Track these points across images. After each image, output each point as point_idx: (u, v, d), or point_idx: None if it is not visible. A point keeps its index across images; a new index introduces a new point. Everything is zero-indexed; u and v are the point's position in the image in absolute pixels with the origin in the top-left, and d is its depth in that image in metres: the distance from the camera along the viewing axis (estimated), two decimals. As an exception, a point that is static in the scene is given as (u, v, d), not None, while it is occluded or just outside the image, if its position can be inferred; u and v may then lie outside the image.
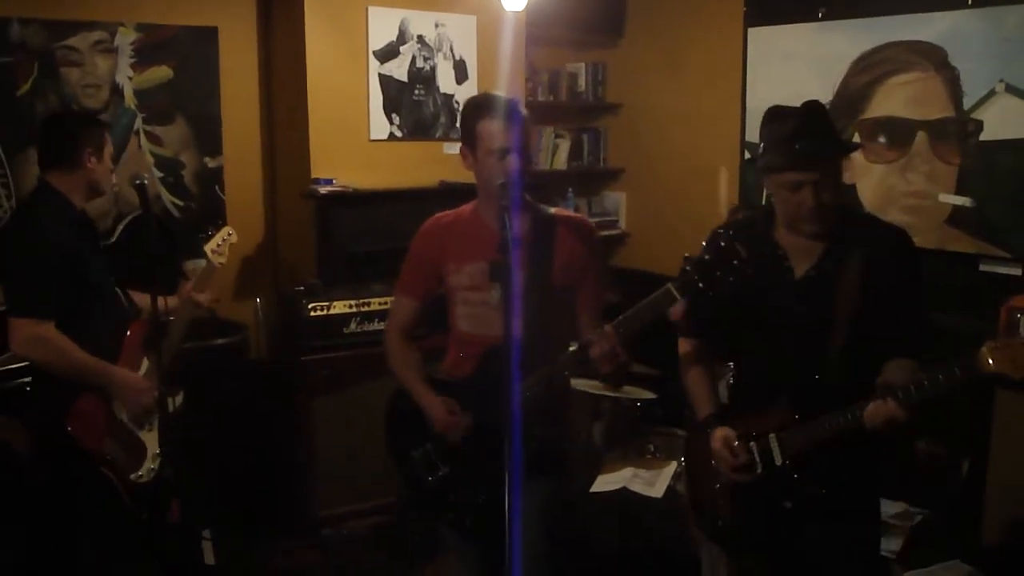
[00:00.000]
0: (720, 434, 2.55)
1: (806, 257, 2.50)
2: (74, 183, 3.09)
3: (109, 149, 3.16)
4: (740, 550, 2.70)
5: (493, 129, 2.57)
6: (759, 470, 2.50)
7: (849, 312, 2.43)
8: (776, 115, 2.48)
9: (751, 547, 2.66)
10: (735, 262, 2.27)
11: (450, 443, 2.70)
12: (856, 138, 4.69)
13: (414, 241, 2.84)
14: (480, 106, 2.63)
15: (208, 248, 3.39)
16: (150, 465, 3.15)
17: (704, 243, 2.49)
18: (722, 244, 2.29)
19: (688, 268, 2.31)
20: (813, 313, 2.46)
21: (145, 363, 3.21)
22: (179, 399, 3.32)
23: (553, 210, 2.78)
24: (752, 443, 2.52)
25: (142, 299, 3.38)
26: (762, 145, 2.51)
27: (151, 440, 3.19)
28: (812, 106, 2.48)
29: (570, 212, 2.83)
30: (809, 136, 2.38)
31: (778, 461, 2.48)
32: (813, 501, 2.47)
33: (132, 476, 3.09)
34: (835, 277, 2.45)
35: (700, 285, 2.30)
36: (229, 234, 3.48)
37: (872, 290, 2.42)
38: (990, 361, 2.12)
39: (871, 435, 2.32)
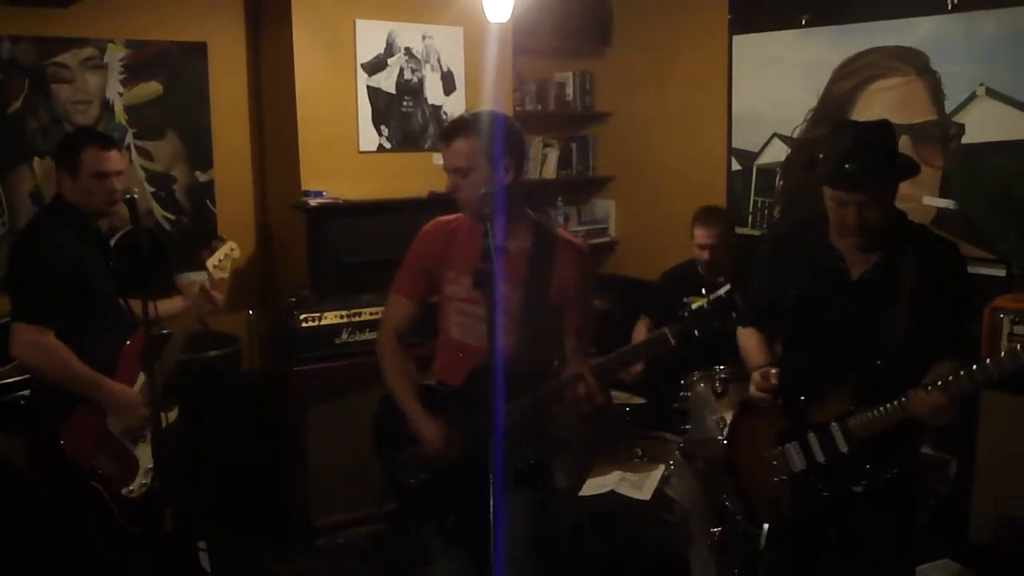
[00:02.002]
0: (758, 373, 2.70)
1: (862, 261, 2.59)
2: (69, 197, 3.15)
3: (91, 168, 3.13)
4: (797, 541, 2.77)
5: (446, 150, 2.66)
6: (821, 459, 2.58)
7: (903, 313, 2.51)
8: (838, 129, 2.56)
9: (810, 535, 2.74)
10: (732, 314, 2.36)
11: (439, 463, 2.72)
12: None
13: (415, 241, 2.86)
14: (446, 127, 2.73)
15: (210, 263, 3.41)
16: (142, 480, 3.16)
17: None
18: (722, 295, 2.36)
19: (687, 315, 2.40)
20: (869, 313, 2.55)
21: (141, 377, 3.22)
22: (173, 414, 3.32)
23: (559, 231, 2.83)
24: (812, 433, 2.61)
25: (167, 306, 3.44)
26: (821, 156, 2.57)
27: (144, 454, 3.19)
28: (873, 127, 2.53)
29: (573, 237, 2.86)
30: (861, 158, 2.44)
31: (843, 448, 2.55)
32: (882, 482, 2.55)
33: (123, 491, 3.11)
34: (890, 281, 2.54)
35: (696, 333, 2.39)
36: (232, 249, 3.49)
37: (922, 297, 2.50)
38: None
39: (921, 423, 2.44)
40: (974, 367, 2.33)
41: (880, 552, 2.63)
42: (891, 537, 2.63)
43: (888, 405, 2.46)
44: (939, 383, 2.37)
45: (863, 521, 2.63)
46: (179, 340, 3.30)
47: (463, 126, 2.64)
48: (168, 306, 3.47)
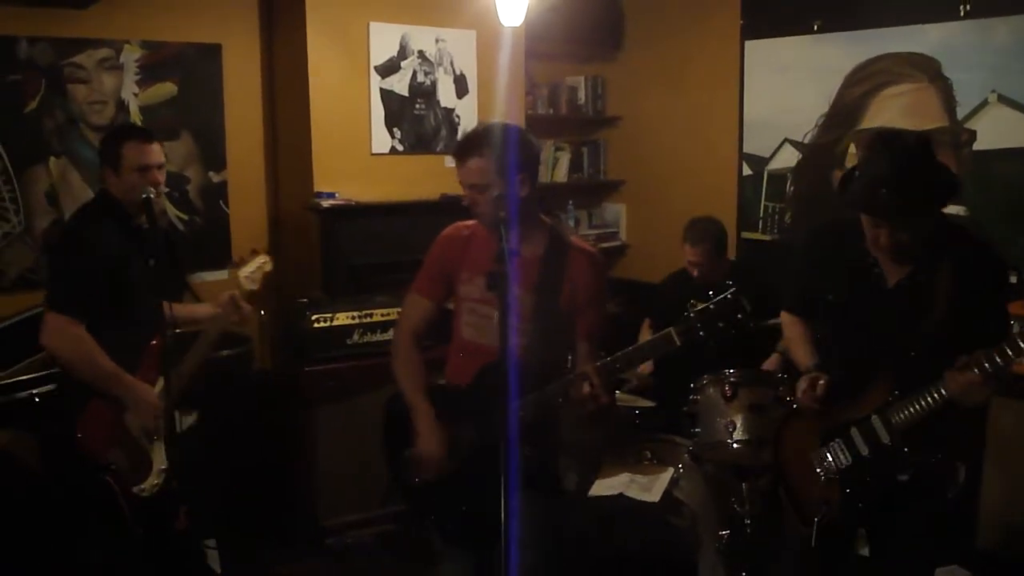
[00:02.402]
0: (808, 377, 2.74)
1: (898, 269, 2.60)
2: (114, 192, 3.18)
3: (132, 163, 3.15)
4: (845, 534, 2.83)
5: (462, 167, 2.69)
6: (866, 452, 2.62)
7: (939, 315, 2.53)
8: (876, 146, 2.53)
9: (859, 527, 2.81)
10: (738, 316, 2.38)
11: (421, 471, 2.75)
12: (852, 149, 4.74)
13: (435, 244, 2.91)
14: (461, 143, 2.76)
15: (242, 274, 3.41)
16: (154, 480, 3.16)
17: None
18: (728, 297, 2.39)
19: (692, 315, 2.42)
20: (905, 317, 2.58)
21: (161, 380, 3.22)
22: (192, 418, 3.32)
23: (572, 238, 2.86)
24: (854, 428, 2.65)
25: (196, 309, 3.45)
26: (857, 172, 2.57)
27: (159, 454, 3.20)
28: (912, 152, 2.48)
29: (587, 244, 2.89)
30: (897, 186, 2.40)
31: (884, 440, 2.59)
32: (928, 468, 2.59)
33: (135, 489, 3.12)
34: (926, 287, 2.56)
35: (701, 333, 2.41)
36: (264, 262, 3.49)
37: (961, 299, 2.52)
38: None
39: (958, 405, 2.45)
40: (1004, 343, 2.35)
41: (911, 537, 2.68)
42: (923, 521, 2.67)
43: (925, 391, 2.49)
44: (971, 362, 2.39)
45: (899, 509, 2.68)
46: (203, 345, 3.30)
47: (477, 143, 2.67)
48: (196, 311, 3.48)
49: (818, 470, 2.74)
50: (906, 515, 2.67)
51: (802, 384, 2.77)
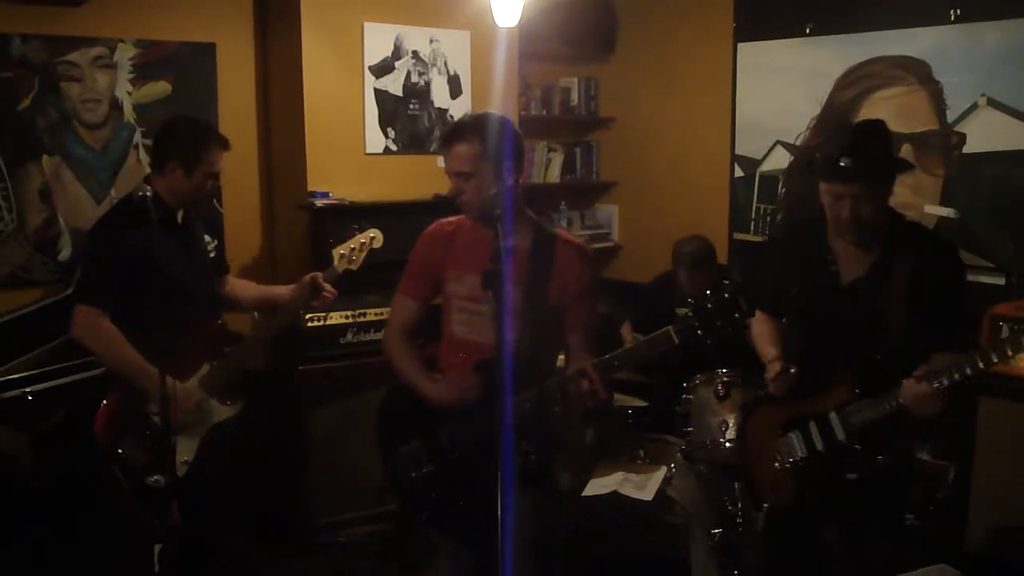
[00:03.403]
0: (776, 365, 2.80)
1: (856, 265, 2.67)
2: (163, 187, 3.16)
3: (207, 168, 3.18)
4: (793, 528, 2.86)
5: (448, 154, 2.71)
6: (820, 447, 2.67)
7: (898, 314, 2.58)
8: (836, 130, 2.73)
9: (808, 522, 2.84)
10: (736, 315, 2.40)
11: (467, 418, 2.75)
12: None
13: (417, 243, 2.92)
14: (447, 131, 2.78)
15: (336, 252, 3.28)
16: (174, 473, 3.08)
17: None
18: (726, 296, 2.40)
19: (690, 314, 2.43)
20: (861, 315, 2.63)
21: (205, 368, 3.21)
22: (229, 410, 3.27)
23: (557, 230, 2.86)
24: (812, 423, 2.70)
25: (270, 291, 3.44)
26: (818, 155, 2.68)
27: (186, 447, 3.15)
28: (868, 125, 2.68)
29: (572, 236, 2.90)
30: (856, 153, 2.53)
31: (840, 437, 2.64)
32: (875, 468, 2.63)
33: (149, 480, 3.00)
34: (883, 286, 2.61)
35: (699, 332, 2.42)
36: (372, 238, 3.29)
37: (919, 297, 2.57)
38: None
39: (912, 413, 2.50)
40: (960, 357, 2.41)
41: (865, 546, 2.71)
42: (876, 531, 2.71)
43: (883, 398, 2.54)
44: (927, 375, 2.45)
45: (853, 513, 2.72)
46: (261, 332, 3.26)
47: (464, 131, 2.68)
48: (269, 293, 3.45)
49: (775, 457, 2.79)
50: (864, 514, 2.71)
51: (771, 373, 2.82)
